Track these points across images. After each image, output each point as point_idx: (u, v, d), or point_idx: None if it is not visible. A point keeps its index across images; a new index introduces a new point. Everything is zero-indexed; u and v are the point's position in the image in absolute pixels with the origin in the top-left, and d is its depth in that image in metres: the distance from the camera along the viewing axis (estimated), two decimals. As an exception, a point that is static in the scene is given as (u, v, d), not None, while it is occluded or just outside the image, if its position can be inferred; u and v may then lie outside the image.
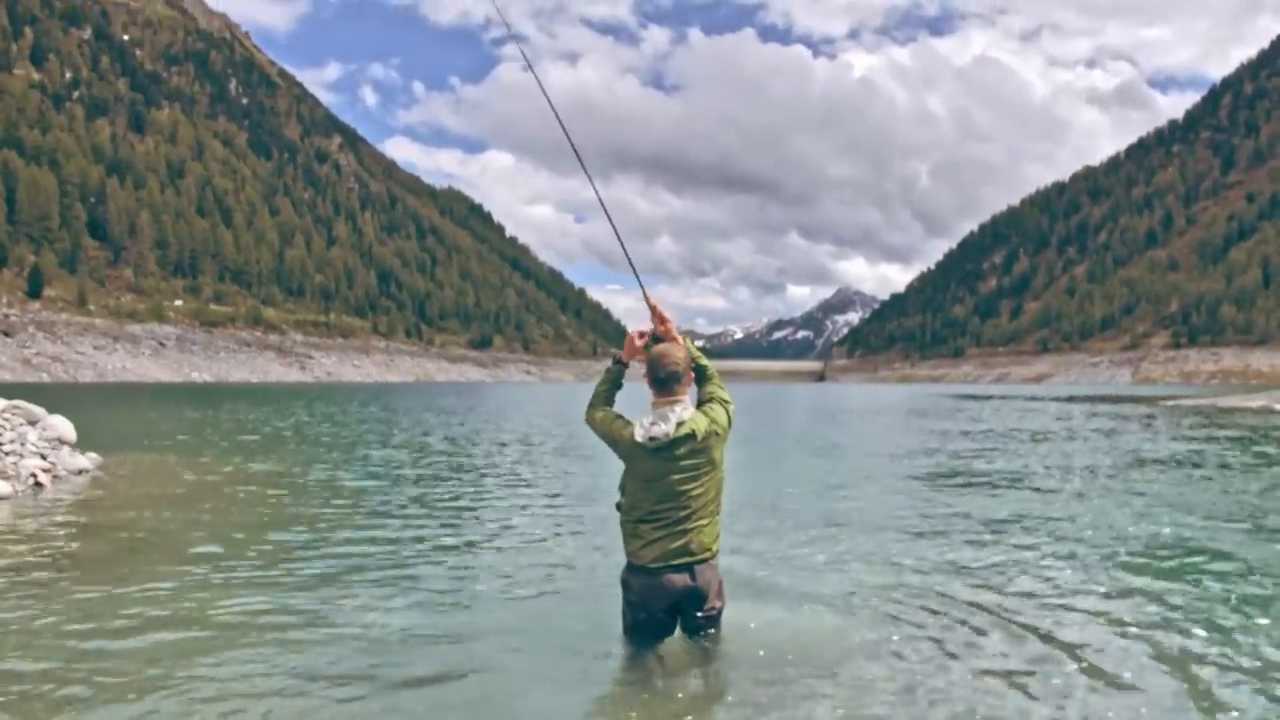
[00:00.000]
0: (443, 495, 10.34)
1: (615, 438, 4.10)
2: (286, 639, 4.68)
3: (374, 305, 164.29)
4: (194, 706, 3.77)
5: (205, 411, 29.47)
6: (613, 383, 4.37)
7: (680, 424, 3.97)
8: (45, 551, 6.72)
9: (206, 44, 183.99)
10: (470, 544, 7.41)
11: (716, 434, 4.09)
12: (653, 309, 4.34)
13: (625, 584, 4.20)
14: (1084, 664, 4.37)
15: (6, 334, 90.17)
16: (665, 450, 3.97)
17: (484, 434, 21.23)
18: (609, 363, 4.42)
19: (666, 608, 4.11)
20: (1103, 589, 5.87)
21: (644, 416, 4.04)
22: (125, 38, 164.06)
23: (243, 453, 15.12)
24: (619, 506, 4.22)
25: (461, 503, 9.77)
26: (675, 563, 4.04)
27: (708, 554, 4.12)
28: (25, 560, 6.41)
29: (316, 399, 45.45)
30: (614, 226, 4.66)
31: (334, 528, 8.03)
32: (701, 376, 4.26)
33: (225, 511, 8.82)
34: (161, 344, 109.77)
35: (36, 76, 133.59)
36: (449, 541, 7.49)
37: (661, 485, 4.01)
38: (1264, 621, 5.07)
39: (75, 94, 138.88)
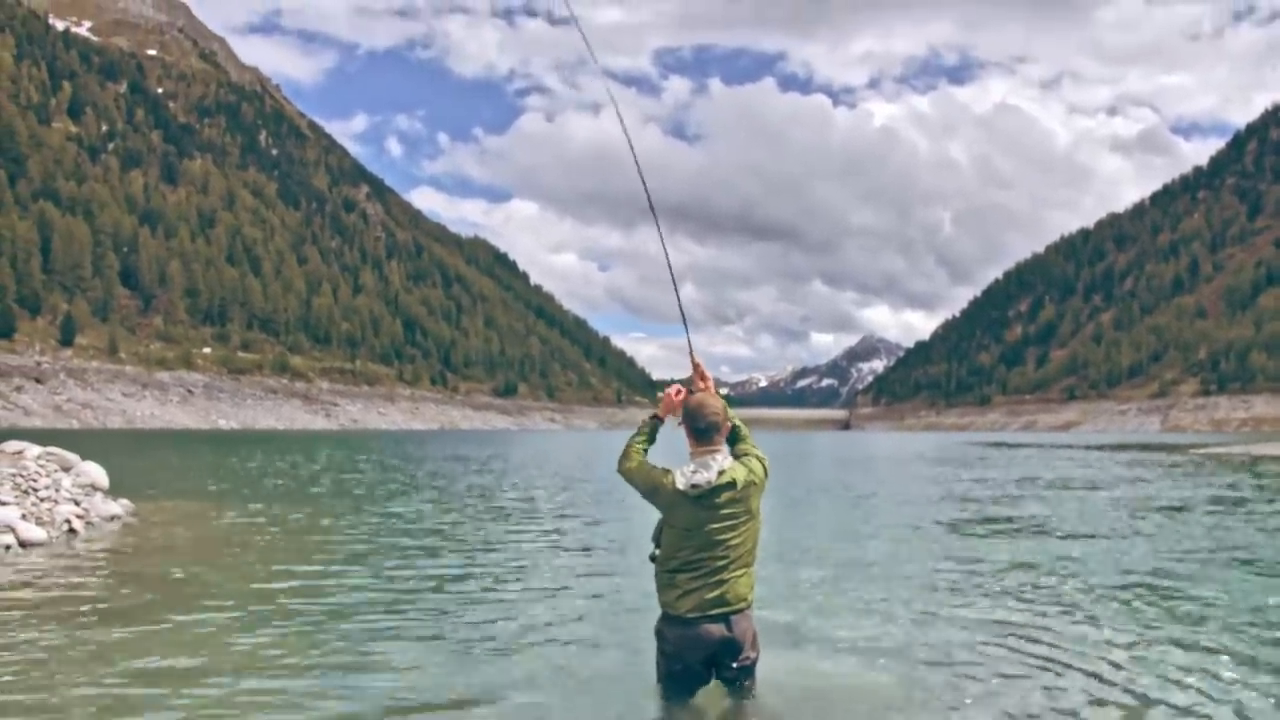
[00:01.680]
0: (469, 543, 10.34)
1: (654, 486, 4.11)
2: (314, 691, 4.67)
3: (400, 353, 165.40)
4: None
5: (232, 458, 29.68)
6: (649, 436, 4.39)
7: (721, 472, 4.00)
8: (80, 597, 6.77)
9: (238, 97, 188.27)
10: (498, 592, 7.40)
11: (754, 484, 4.11)
12: (696, 367, 4.42)
13: (660, 634, 4.18)
14: (1116, 711, 4.29)
15: (39, 380, 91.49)
16: (706, 498, 3.98)
17: (511, 482, 21.23)
18: (642, 413, 4.46)
19: (703, 659, 4.08)
20: (1133, 637, 5.77)
21: (684, 465, 4.07)
22: (159, 91, 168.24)
23: (270, 499, 15.20)
24: (653, 558, 4.21)
25: (489, 551, 9.76)
26: (711, 613, 4.02)
27: (743, 604, 4.11)
28: (61, 606, 6.46)
29: (342, 446, 45.68)
30: (675, 287, 4.81)
31: (362, 575, 8.05)
32: (735, 436, 4.29)
33: (255, 558, 8.86)
34: (189, 391, 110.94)
35: (74, 129, 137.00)
36: (477, 590, 7.48)
37: (700, 534, 4.01)
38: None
39: (110, 146, 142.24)
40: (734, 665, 4.12)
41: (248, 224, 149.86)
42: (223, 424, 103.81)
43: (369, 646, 5.53)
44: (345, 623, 6.17)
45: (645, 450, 4.34)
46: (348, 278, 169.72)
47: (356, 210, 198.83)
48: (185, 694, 4.52)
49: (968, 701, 4.54)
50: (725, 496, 4.00)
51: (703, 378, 4.39)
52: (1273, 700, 4.54)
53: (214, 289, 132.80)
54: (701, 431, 4.10)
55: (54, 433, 58.38)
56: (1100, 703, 4.53)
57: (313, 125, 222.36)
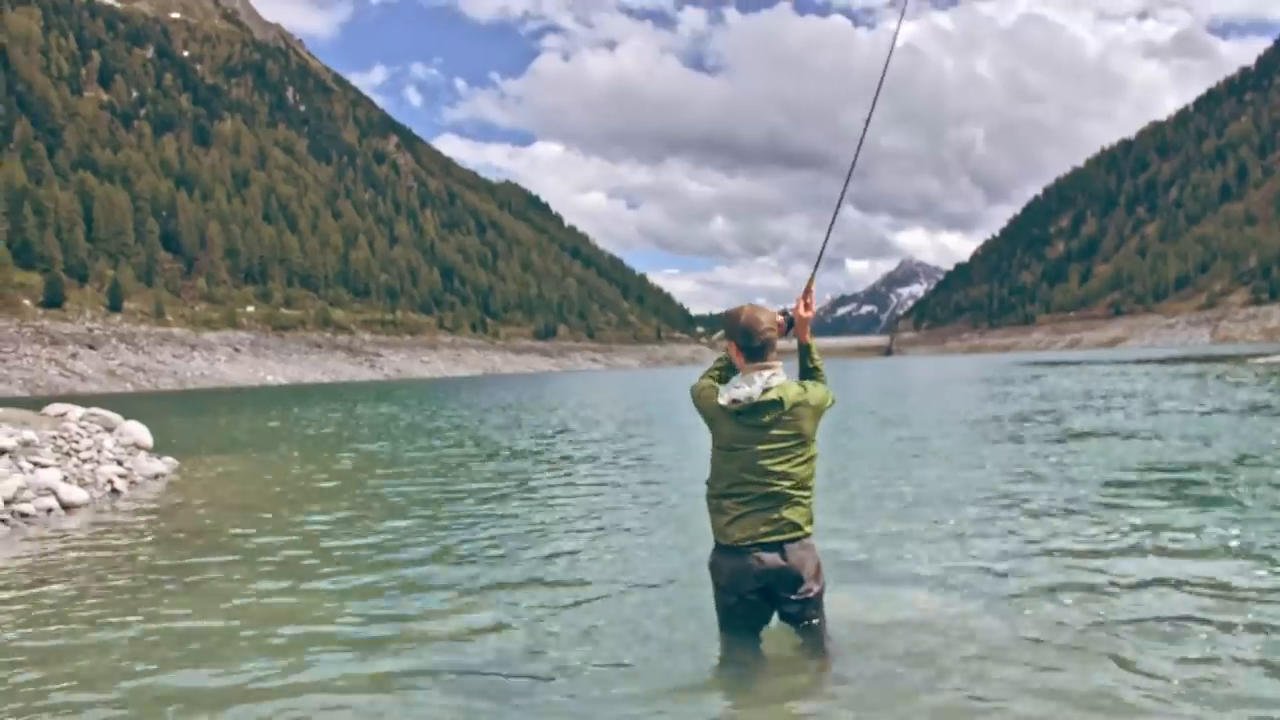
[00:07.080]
0: (519, 492, 10.15)
1: (703, 405, 3.87)
2: (368, 645, 4.48)
3: (439, 301, 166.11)
4: (275, 714, 3.58)
5: (278, 412, 29.89)
6: (728, 364, 4.01)
7: (766, 389, 3.68)
8: (122, 557, 6.65)
9: (263, 55, 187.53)
10: (549, 542, 7.19)
11: (805, 404, 3.74)
12: (808, 290, 4.10)
13: (714, 566, 3.87)
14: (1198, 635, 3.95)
15: (92, 347, 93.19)
16: (747, 415, 3.69)
17: (558, 424, 21.10)
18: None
19: (758, 589, 3.77)
20: (1220, 559, 5.40)
21: (732, 381, 3.85)
22: (186, 54, 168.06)
23: (317, 452, 15.16)
24: (708, 483, 3.91)
25: (538, 499, 9.57)
26: (764, 540, 3.70)
27: (799, 533, 3.76)
28: (103, 567, 6.33)
29: (385, 396, 45.94)
30: (828, 233, 4.39)
31: (412, 527, 7.85)
32: (812, 373, 4.04)
33: (302, 513, 8.69)
34: (236, 349, 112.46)
35: (105, 97, 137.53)
36: (528, 542, 7.27)
37: (744, 455, 3.71)
38: None
39: (142, 112, 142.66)
40: (793, 598, 3.79)
41: (281, 182, 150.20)
42: (270, 379, 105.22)
43: (419, 603, 5.30)
44: (394, 577, 5.96)
45: (722, 377, 4.00)
46: (383, 229, 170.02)
47: (387, 161, 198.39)
48: (234, 655, 4.33)
49: (1066, 630, 4.22)
50: (770, 416, 3.68)
51: (806, 294, 4.09)
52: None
53: (253, 248, 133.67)
54: (755, 350, 3.78)
55: (109, 396, 59.56)
56: (1167, 631, 4.19)
57: (338, 79, 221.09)
